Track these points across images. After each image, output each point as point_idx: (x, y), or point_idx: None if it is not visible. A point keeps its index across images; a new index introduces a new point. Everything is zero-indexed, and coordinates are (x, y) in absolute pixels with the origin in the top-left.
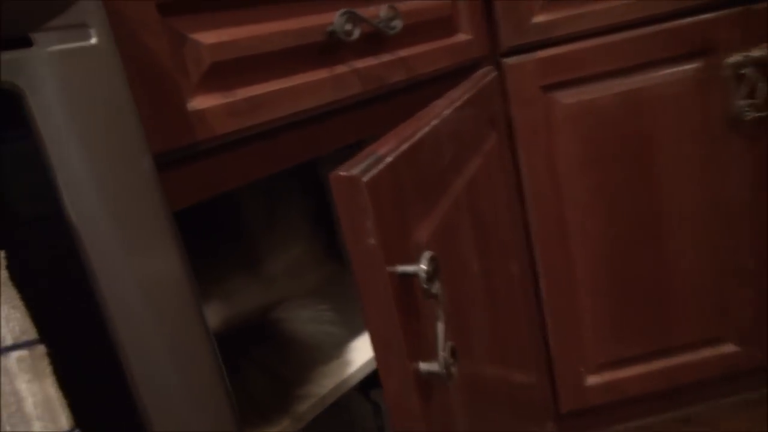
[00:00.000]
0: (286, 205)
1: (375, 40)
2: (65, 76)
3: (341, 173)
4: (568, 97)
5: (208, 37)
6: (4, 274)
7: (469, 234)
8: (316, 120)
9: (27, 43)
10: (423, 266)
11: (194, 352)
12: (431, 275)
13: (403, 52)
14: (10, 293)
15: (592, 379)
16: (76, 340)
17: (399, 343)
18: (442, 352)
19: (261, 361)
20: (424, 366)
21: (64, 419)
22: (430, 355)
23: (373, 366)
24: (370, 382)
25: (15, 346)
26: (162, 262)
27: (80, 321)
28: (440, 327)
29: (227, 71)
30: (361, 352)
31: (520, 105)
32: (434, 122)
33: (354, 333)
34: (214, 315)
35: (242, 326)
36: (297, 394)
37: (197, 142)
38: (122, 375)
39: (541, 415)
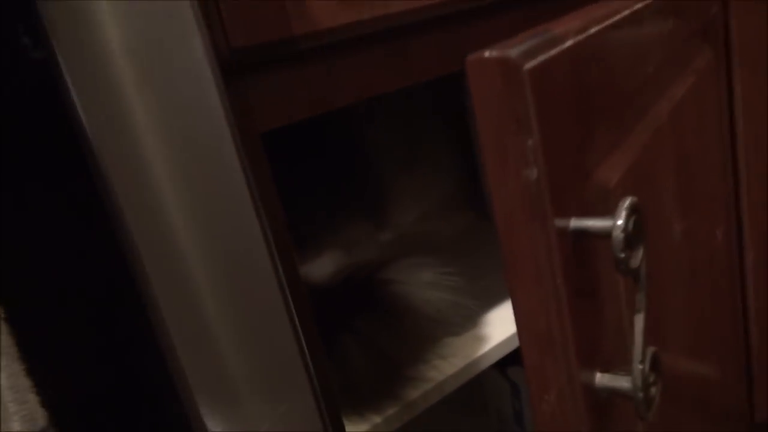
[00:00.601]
0: (427, 140)
1: None
2: None
3: (487, 54)
4: None
5: None
6: None
7: (671, 182)
8: (459, 19)
9: None
10: (620, 221)
11: (270, 334)
12: (632, 238)
13: None
14: None
15: None
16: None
17: (565, 341)
18: (639, 365)
19: (365, 334)
20: (603, 379)
21: None
22: (613, 364)
23: (510, 347)
24: (509, 358)
25: None
26: (228, 211)
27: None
28: (639, 322)
29: None
30: (493, 327)
31: (743, 10)
32: (637, 6)
33: (485, 303)
34: (329, 266)
35: (349, 280)
36: (408, 376)
37: (295, 38)
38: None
39: (736, 424)
